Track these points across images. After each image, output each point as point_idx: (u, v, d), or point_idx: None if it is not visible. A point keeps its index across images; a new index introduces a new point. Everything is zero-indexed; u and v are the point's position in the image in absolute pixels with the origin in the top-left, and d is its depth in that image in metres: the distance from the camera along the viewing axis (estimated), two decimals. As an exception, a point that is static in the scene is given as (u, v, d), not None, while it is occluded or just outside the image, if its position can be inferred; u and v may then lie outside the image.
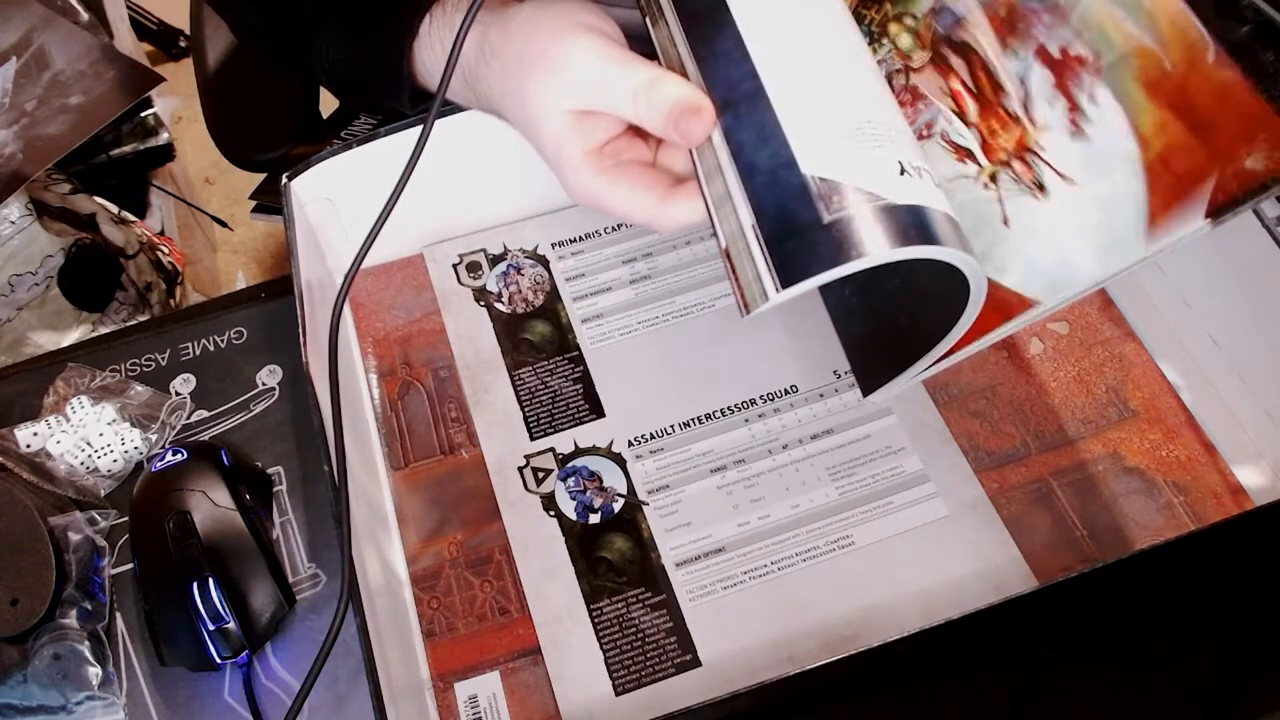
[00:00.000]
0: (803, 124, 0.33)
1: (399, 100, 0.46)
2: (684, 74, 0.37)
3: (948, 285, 0.33)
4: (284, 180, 0.49)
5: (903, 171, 0.32)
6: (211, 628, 0.45)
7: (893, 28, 0.40)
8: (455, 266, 0.58)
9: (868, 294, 0.38)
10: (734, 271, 0.34)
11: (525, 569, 0.48)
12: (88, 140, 0.88)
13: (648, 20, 0.40)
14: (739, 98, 0.35)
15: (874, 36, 0.41)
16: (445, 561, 0.49)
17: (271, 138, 0.94)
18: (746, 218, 0.33)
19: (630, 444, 0.51)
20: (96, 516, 0.50)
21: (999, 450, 0.50)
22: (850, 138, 0.33)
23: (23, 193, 0.88)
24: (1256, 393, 0.48)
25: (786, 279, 0.31)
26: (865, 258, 0.30)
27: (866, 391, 0.42)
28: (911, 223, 0.31)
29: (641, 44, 0.41)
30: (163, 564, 0.46)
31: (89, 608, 0.47)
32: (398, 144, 0.49)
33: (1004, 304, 0.37)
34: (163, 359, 0.57)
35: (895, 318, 0.36)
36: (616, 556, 0.48)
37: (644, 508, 0.50)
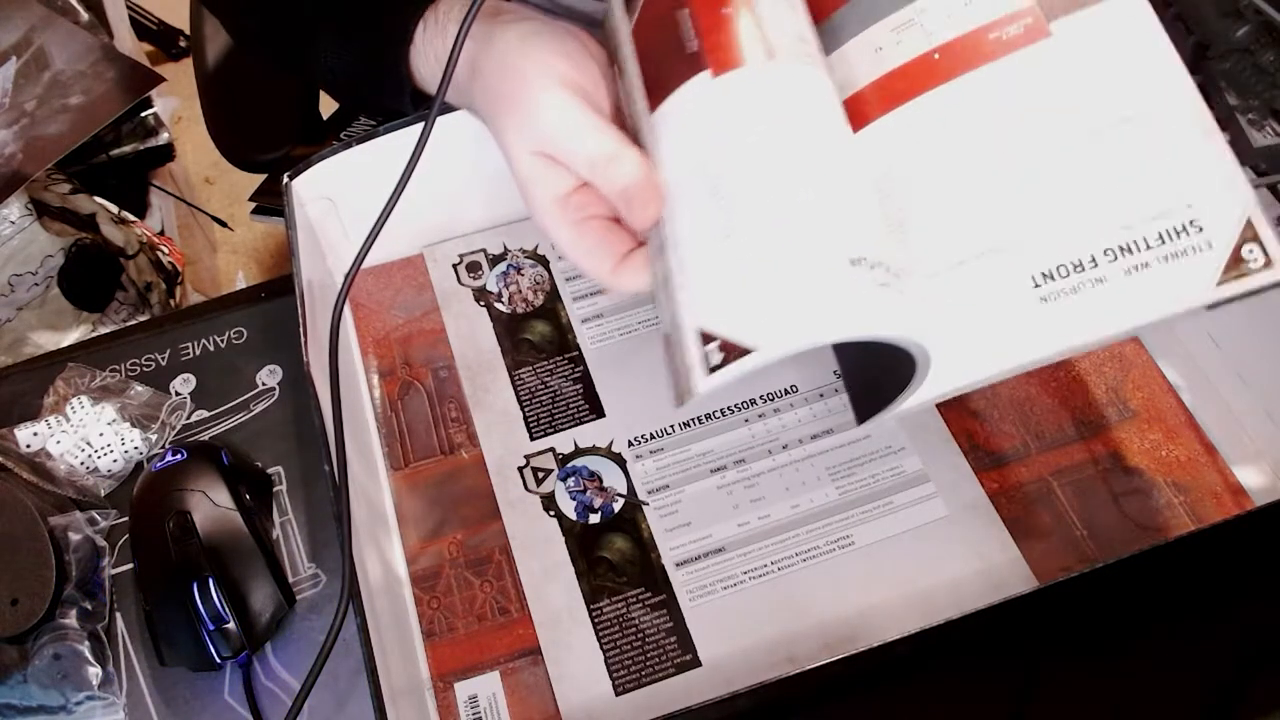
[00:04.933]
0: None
1: (401, 103, 0.46)
2: (639, 135, 0.37)
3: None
4: (285, 180, 0.49)
5: (852, 262, 0.32)
6: (211, 628, 0.45)
7: None
8: (455, 266, 0.58)
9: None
10: (672, 359, 0.34)
11: (525, 569, 0.48)
12: (88, 140, 0.88)
13: (615, 69, 0.40)
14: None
15: None
16: (445, 561, 0.49)
17: (271, 138, 0.94)
18: (684, 304, 0.33)
19: (630, 444, 0.51)
20: (96, 516, 0.50)
21: (999, 450, 0.50)
22: (790, 224, 0.33)
23: (23, 193, 0.88)
24: (1256, 393, 0.48)
25: (712, 368, 0.31)
26: (790, 344, 0.30)
27: (860, 420, 0.42)
28: (848, 307, 0.31)
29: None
30: (163, 564, 0.46)
31: (89, 608, 0.47)
32: (398, 144, 0.49)
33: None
34: (163, 359, 0.57)
35: (879, 353, 0.37)
36: (616, 556, 0.48)
37: (644, 508, 0.50)
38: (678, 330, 0.33)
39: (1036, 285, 0.33)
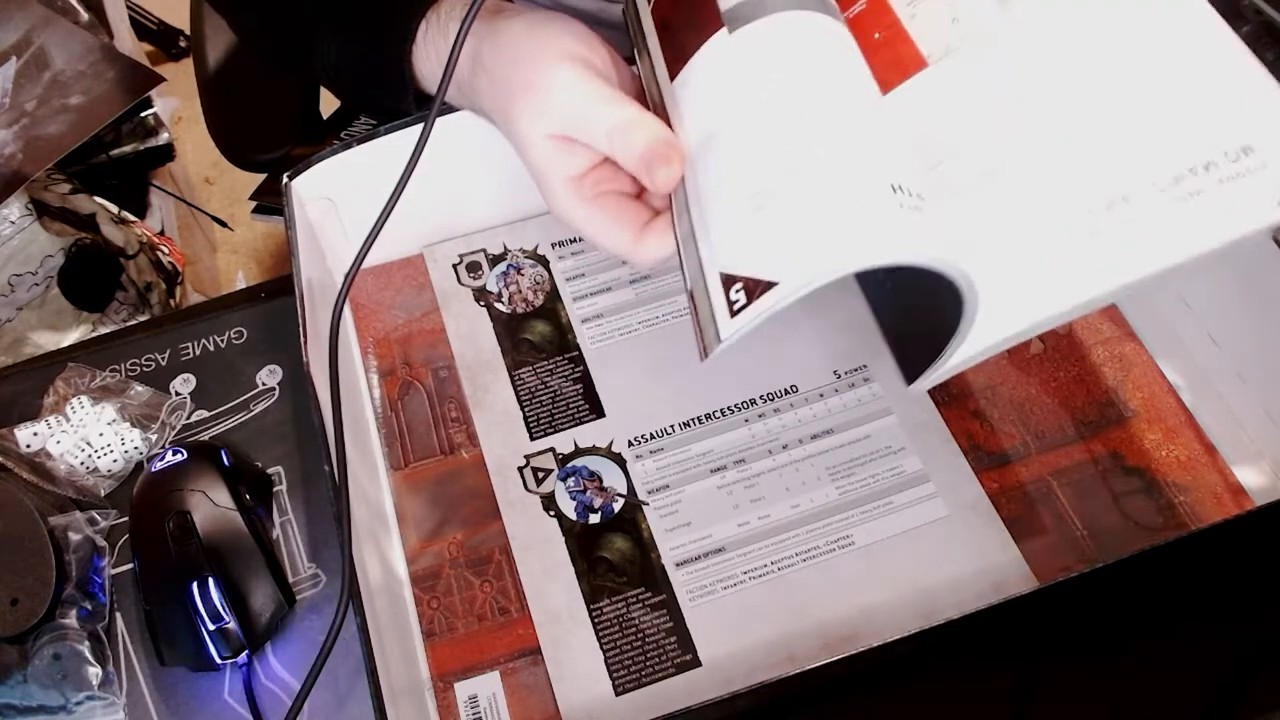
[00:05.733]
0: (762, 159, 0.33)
1: (403, 102, 0.46)
2: (662, 108, 0.37)
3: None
4: (285, 180, 0.49)
5: (893, 190, 0.31)
6: (211, 628, 0.45)
7: None
8: (455, 266, 0.58)
9: (898, 276, 0.37)
10: (696, 313, 0.33)
11: (525, 569, 0.48)
12: (88, 140, 0.88)
13: (635, 50, 0.40)
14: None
15: None
16: (445, 561, 0.49)
17: (272, 138, 0.94)
18: (706, 255, 0.33)
19: (630, 444, 0.51)
20: (96, 516, 0.50)
21: (999, 450, 0.50)
22: (816, 161, 0.32)
23: (23, 193, 0.88)
24: (1256, 393, 0.48)
25: (735, 311, 0.30)
26: (815, 273, 0.30)
27: (909, 380, 0.40)
28: (870, 233, 0.30)
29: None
30: (163, 564, 0.46)
31: (89, 608, 0.47)
32: (398, 144, 0.49)
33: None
34: (163, 359, 0.57)
35: (927, 303, 0.35)
36: (616, 556, 0.48)
37: (644, 508, 0.50)
38: (700, 281, 0.33)
39: (1085, 219, 0.32)
